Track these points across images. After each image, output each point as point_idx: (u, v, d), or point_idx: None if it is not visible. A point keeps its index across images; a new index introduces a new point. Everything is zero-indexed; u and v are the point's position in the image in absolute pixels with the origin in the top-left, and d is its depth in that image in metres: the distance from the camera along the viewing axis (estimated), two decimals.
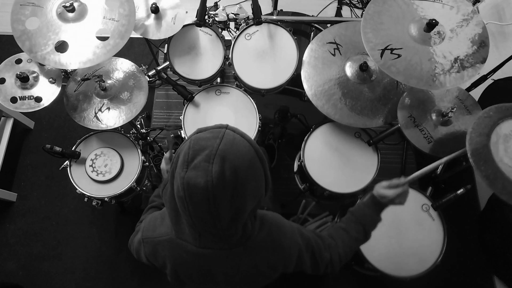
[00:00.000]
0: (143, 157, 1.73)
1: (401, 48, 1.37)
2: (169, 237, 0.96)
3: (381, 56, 1.37)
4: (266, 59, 1.74)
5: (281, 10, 2.12)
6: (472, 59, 1.36)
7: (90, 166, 1.67)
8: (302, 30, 2.02)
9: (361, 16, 2.18)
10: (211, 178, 0.75)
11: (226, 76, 2.44)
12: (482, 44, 1.38)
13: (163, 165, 1.37)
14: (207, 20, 1.77)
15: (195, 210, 0.80)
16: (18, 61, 1.63)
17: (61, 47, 1.44)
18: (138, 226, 1.17)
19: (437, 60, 1.36)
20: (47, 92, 1.59)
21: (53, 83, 1.61)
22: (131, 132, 2.08)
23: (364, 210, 1.17)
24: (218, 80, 2.23)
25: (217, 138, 0.79)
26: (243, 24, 1.79)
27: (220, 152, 0.76)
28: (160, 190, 1.21)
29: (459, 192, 1.47)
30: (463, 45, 1.39)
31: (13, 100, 1.57)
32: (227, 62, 1.76)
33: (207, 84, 1.81)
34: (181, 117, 1.72)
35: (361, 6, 2.96)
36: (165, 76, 1.77)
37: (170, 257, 0.98)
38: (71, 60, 1.42)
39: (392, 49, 1.37)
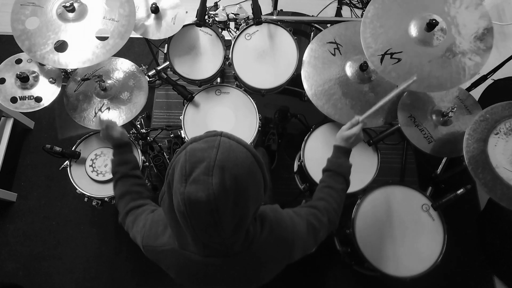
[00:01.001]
0: (143, 157, 1.73)
1: (401, 52, 1.37)
2: (172, 247, 0.94)
3: (381, 61, 1.36)
4: (266, 59, 1.74)
5: (281, 10, 2.12)
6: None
7: (90, 166, 1.67)
8: (302, 30, 2.02)
9: (361, 16, 2.18)
10: (212, 191, 0.73)
11: (226, 76, 2.44)
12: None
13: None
14: (207, 20, 1.77)
15: (198, 223, 0.78)
16: (18, 61, 1.63)
17: (61, 46, 1.44)
18: (124, 203, 1.18)
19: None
20: (47, 92, 1.59)
21: (53, 83, 1.61)
22: (131, 132, 2.08)
23: (337, 161, 1.25)
24: (218, 80, 2.22)
25: (213, 147, 0.77)
26: (243, 24, 1.79)
27: (218, 163, 0.75)
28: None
29: (459, 192, 1.47)
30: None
31: (13, 100, 1.57)
32: (227, 62, 1.76)
33: (207, 84, 1.81)
34: (181, 117, 1.72)
35: (361, 6, 2.96)
36: (165, 76, 1.77)
37: (175, 266, 0.97)
38: (70, 60, 1.42)
39: (392, 54, 1.37)
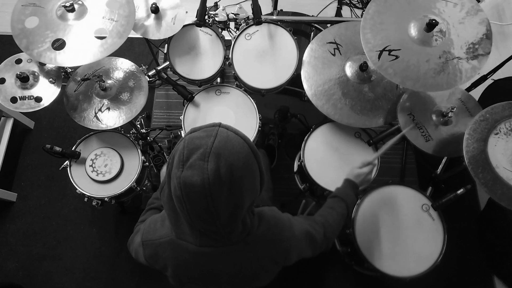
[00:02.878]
0: (143, 157, 1.73)
1: (399, 49, 1.37)
2: (170, 238, 0.96)
3: (379, 57, 1.36)
4: (266, 59, 1.74)
5: (281, 10, 2.12)
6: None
7: (90, 166, 1.67)
8: (302, 30, 2.02)
9: (361, 16, 2.18)
10: (207, 176, 0.76)
11: (226, 76, 2.44)
12: (486, 36, 1.37)
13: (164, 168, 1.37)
14: (207, 20, 1.77)
15: (193, 209, 0.80)
16: (18, 61, 1.63)
17: (60, 45, 1.43)
18: (137, 227, 1.17)
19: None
20: (47, 92, 1.59)
21: (53, 83, 1.61)
22: (131, 132, 2.08)
23: (346, 191, 1.33)
24: (218, 80, 2.22)
25: (211, 136, 0.80)
26: (243, 24, 1.79)
27: (214, 150, 0.77)
28: (159, 192, 1.21)
29: (459, 192, 1.47)
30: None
31: (13, 100, 1.57)
32: (227, 62, 1.76)
33: (207, 84, 1.81)
34: (181, 117, 1.72)
35: (361, 6, 2.96)
36: (165, 76, 1.77)
37: (172, 259, 0.97)
38: (67, 58, 1.42)
39: (390, 50, 1.37)
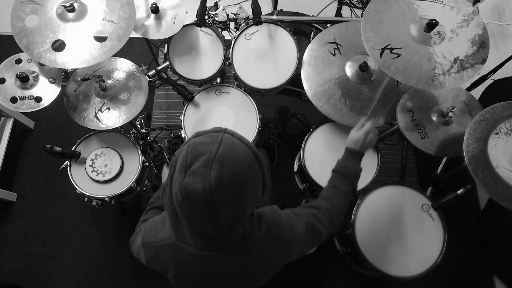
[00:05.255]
0: (143, 157, 1.73)
1: (400, 48, 1.37)
2: (170, 241, 0.95)
3: (381, 55, 1.36)
4: (266, 59, 1.74)
5: (281, 10, 2.12)
6: (472, 60, 1.36)
7: (90, 166, 1.67)
8: (302, 30, 2.02)
9: (361, 16, 2.18)
10: (209, 184, 0.75)
11: (226, 76, 2.44)
12: (482, 45, 1.38)
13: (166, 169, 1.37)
14: (207, 20, 1.77)
15: (194, 215, 0.80)
16: (18, 61, 1.63)
17: (59, 46, 1.43)
18: (139, 227, 1.17)
19: (436, 60, 1.36)
20: (47, 92, 1.59)
21: (53, 83, 1.61)
22: (131, 132, 2.08)
23: (345, 163, 1.26)
24: (218, 80, 2.22)
25: (215, 143, 0.78)
26: (243, 24, 1.79)
27: (218, 158, 0.76)
28: (160, 192, 1.22)
29: (459, 192, 1.47)
30: (463, 46, 1.39)
31: (13, 100, 1.57)
32: (227, 62, 1.76)
33: (207, 84, 1.81)
34: (181, 117, 1.72)
35: (361, 6, 2.96)
36: (165, 76, 1.77)
37: (172, 261, 0.97)
38: (67, 60, 1.41)
39: (391, 49, 1.37)
